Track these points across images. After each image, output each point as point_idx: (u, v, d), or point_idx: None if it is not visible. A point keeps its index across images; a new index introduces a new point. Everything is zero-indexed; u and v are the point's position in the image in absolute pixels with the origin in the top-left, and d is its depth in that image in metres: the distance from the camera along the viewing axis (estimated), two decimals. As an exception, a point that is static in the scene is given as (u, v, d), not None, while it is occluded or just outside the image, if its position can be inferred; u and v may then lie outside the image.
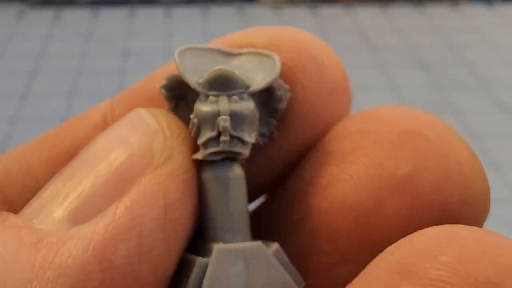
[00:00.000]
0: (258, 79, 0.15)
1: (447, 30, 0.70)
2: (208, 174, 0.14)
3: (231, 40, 0.16)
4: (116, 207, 0.13)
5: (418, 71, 0.62)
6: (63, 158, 0.16)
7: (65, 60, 0.62)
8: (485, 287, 0.11)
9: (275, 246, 0.14)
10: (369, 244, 0.14)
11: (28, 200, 0.14)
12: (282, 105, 0.15)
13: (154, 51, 0.64)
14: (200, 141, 0.14)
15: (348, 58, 0.16)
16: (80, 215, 0.13)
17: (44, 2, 0.72)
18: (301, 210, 0.15)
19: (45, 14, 0.71)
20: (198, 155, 0.14)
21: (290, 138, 0.16)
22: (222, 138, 0.14)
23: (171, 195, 0.13)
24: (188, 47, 0.15)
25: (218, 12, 0.72)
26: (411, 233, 0.12)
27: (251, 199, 0.17)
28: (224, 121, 0.14)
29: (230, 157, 0.14)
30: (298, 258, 0.15)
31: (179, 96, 0.15)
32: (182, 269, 0.14)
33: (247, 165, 0.15)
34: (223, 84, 0.14)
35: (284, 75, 0.15)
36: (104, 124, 0.16)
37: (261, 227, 0.16)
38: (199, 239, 0.14)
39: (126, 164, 0.13)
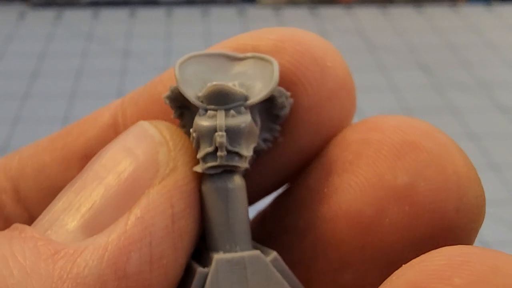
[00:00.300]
0: (257, 89, 0.15)
1: (446, 31, 0.70)
2: (208, 186, 0.14)
3: (236, 42, 0.16)
4: (128, 218, 0.13)
5: (418, 71, 0.62)
6: (74, 157, 0.16)
7: (66, 61, 0.62)
8: None
9: (273, 254, 0.14)
10: (371, 251, 0.14)
11: (41, 197, 0.14)
12: (284, 112, 0.15)
13: (154, 51, 0.64)
14: (199, 155, 0.14)
15: (347, 59, 0.16)
16: (93, 226, 0.13)
17: (45, 3, 0.72)
18: (306, 217, 0.16)
19: (46, 15, 0.71)
20: (198, 168, 0.14)
21: (295, 141, 0.16)
22: (219, 153, 0.14)
23: (177, 205, 0.14)
24: (191, 55, 0.15)
25: (218, 13, 0.72)
26: (411, 240, 0.13)
27: (257, 199, 0.17)
28: (220, 137, 0.14)
29: (228, 170, 0.14)
30: (303, 264, 0.15)
31: (183, 105, 0.15)
32: (186, 277, 0.14)
33: (252, 167, 0.15)
34: (220, 99, 0.14)
35: (287, 78, 0.15)
36: (115, 125, 0.16)
37: (266, 234, 0.16)
38: (203, 246, 0.15)
39: (133, 176, 0.14)
